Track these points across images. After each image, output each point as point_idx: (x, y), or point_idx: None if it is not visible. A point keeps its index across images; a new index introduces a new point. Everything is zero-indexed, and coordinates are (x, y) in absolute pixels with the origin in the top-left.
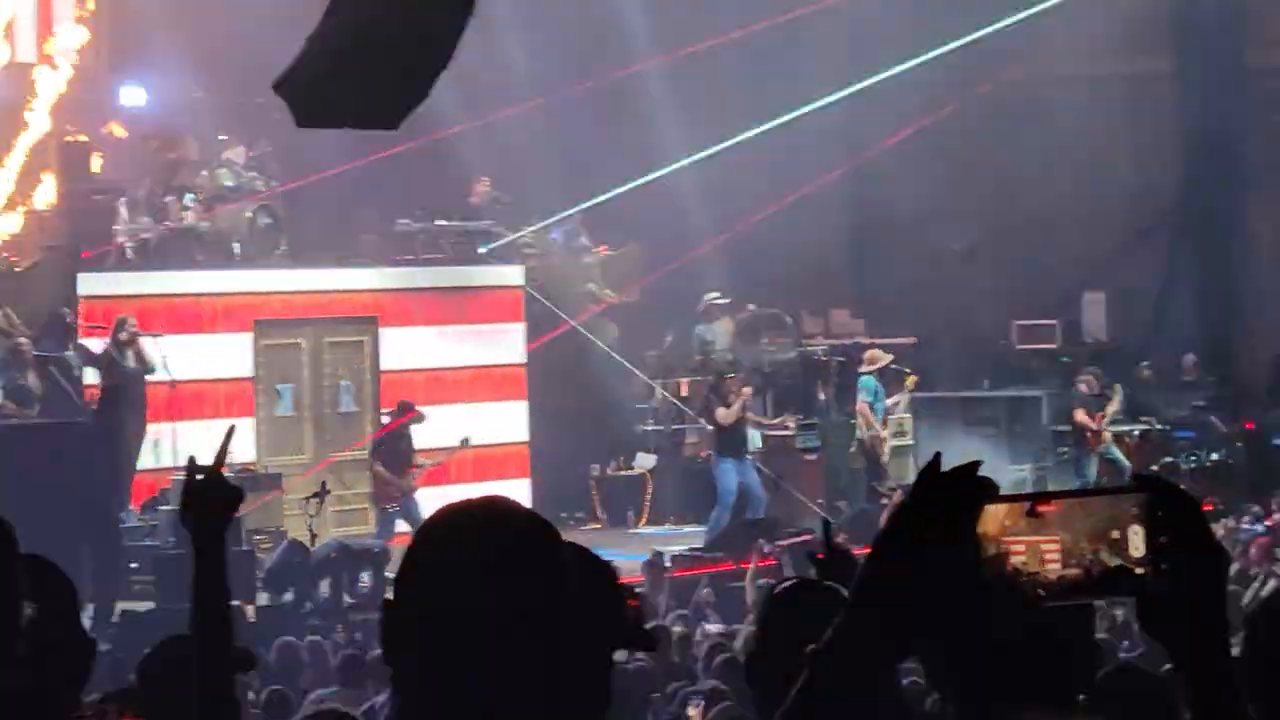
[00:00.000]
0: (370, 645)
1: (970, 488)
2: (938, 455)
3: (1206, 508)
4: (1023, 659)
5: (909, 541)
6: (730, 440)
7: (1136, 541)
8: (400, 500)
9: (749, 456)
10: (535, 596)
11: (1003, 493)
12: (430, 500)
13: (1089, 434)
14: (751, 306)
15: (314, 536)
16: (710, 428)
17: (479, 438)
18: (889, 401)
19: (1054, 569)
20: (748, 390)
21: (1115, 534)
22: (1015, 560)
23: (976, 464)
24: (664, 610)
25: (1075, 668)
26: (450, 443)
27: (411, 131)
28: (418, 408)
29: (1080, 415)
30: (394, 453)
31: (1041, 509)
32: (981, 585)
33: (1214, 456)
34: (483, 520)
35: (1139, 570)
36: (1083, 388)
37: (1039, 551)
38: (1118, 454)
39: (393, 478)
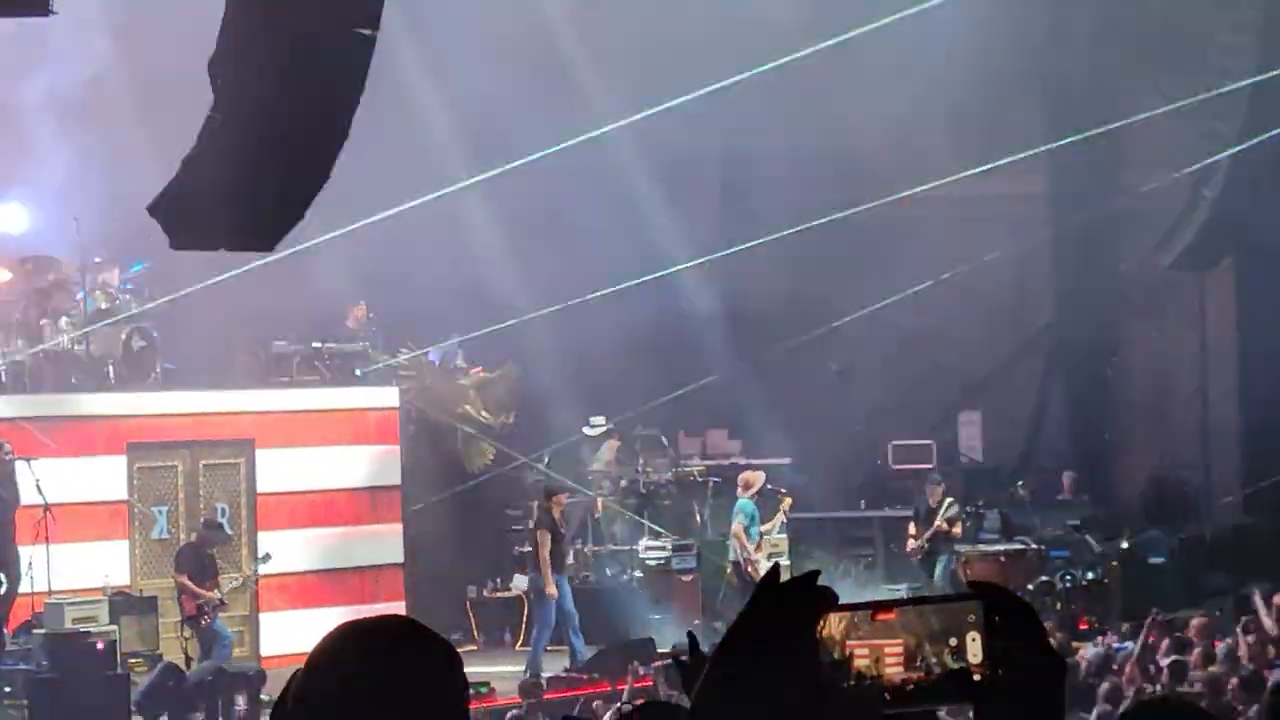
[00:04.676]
0: None
1: (808, 597)
2: (776, 566)
3: (1082, 625)
4: None
5: (747, 652)
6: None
7: (975, 649)
8: (208, 614)
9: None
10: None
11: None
12: (302, 621)
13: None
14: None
15: (189, 660)
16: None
17: (355, 559)
18: (764, 527)
19: (896, 672)
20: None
21: (954, 641)
22: (859, 664)
23: (815, 573)
24: None
25: None
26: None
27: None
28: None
29: (911, 529)
30: (198, 566)
31: (881, 616)
32: (823, 692)
33: (1089, 575)
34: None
35: (976, 676)
36: (930, 500)
37: (882, 654)
38: (937, 571)
39: (199, 590)
